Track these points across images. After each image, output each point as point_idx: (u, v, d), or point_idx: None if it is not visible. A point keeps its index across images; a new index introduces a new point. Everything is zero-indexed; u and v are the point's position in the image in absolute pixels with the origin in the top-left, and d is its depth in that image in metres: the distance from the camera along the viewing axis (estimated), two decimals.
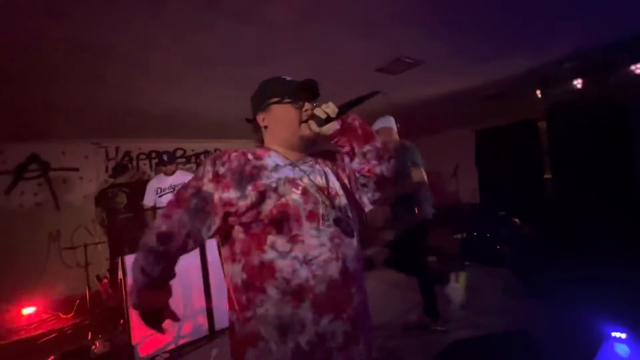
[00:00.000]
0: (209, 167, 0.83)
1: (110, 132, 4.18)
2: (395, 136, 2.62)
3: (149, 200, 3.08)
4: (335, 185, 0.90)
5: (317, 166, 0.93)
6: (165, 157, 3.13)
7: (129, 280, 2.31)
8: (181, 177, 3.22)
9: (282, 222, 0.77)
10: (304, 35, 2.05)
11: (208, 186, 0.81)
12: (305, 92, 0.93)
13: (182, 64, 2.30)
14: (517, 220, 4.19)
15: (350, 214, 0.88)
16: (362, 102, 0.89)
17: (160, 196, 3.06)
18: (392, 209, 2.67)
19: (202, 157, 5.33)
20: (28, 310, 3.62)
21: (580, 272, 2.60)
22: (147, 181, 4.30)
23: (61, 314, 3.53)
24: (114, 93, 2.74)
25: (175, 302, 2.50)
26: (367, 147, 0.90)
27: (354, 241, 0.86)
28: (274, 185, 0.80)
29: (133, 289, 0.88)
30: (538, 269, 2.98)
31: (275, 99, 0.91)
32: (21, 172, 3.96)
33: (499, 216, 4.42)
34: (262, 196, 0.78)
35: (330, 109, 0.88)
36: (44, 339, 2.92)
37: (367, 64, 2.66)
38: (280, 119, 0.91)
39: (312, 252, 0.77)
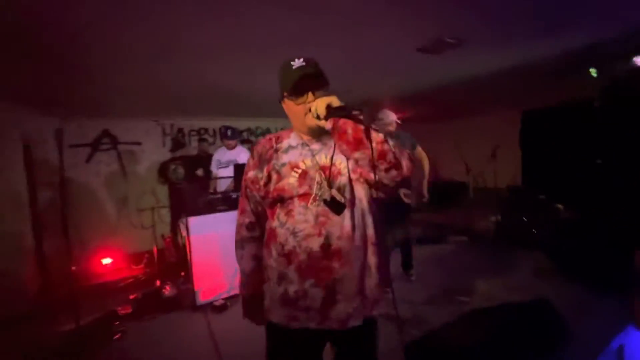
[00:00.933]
0: (250, 154, 1.08)
1: (167, 110, 4.65)
2: (390, 128, 3.10)
3: (212, 169, 3.51)
4: (341, 164, 0.95)
5: (330, 143, 0.98)
6: (229, 132, 3.40)
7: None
8: (239, 153, 3.51)
9: (280, 200, 0.95)
10: (341, 19, 2.17)
11: (249, 172, 1.05)
12: (302, 85, 0.95)
13: (233, 49, 2.54)
14: (560, 205, 4.07)
15: (348, 194, 0.93)
16: (349, 113, 0.86)
17: (218, 168, 3.44)
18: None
19: (244, 134, 5.70)
20: (106, 261, 4.35)
21: (620, 262, 2.57)
22: (197, 155, 4.77)
23: (133, 265, 4.19)
24: (173, 74, 3.07)
25: (228, 260, 2.91)
26: (357, 154, 0.87)
27: (344, 220, 0.91)
28: (277, 168, 0.97)
29: (244, 278, 1.09)
30: (574, 253, 2.96)
31: (284, 94, 0.99)
32: (97, 144, 4.60)
33: (538, 200, 4.31)
34: (269, 177, 0.97)
35: (319, 108, 0.90)
36: (123, 283, 3.55)
37: (408, 44, 2.69)
38: (290, 111, 1.00)
39: (298, 226, 0.92)
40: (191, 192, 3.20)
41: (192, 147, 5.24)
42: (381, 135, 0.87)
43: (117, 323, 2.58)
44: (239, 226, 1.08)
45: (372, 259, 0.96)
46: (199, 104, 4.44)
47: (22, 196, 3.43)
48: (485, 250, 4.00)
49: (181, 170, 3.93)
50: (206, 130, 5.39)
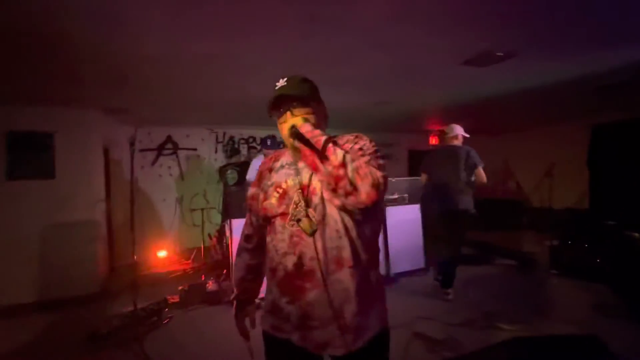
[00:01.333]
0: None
1: (220, 120, 5.10)
2: (456, 142, 3.20)
3: (251, 176, 3.72)
4: (317, 184, 0.94)
5: None
6: (268, 142, 3.57)
7: (233, 273, 2.96)
8: None
9: (267, 219, 1.00)
10: (389, 34, 2.23)
11: (252, 189, 1.10)
12: (279, 104, 0.98)
13: (282, 66, 2.75)
14: (636, 234, 3.59)
15: (319, 215, 0.91)
16: (302, 137, 0.89)
17: None
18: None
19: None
20: (161, 254, 4.84)
21: None
22: (247, 162, 5.09)
23: (183, 260, 4.61)
24: (227, 90, 3.40)
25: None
26: (319, 176, 0.90)
27: (316, 241, 0.89)
28: (265, 188, 1.03)
29: (234, 282, 1.19)
30: None
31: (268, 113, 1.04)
32: (161, 149, 5.20)
33: (606, 226, 3.84)
34: (261, 196, 1.03)
35: (284, 129, 0.95)
36: (173, 275, 3.93)
37: (455, 57, 2.66)
38: (279, 130, 1.02)
39: (278, 245, 0.95)
40: (238, 195, 3.46)
41: (242, 154, 5.65)
42: (339, 159, 0.83)
43: (166, 310, 2.88)
44: (240, 236, 1.18)
45: (349, 284, 0.90)
46: (247, 115, 4.81)
47: (100, 192, 4.00)
48: (536, 277, 3.67)
49: (235, 175, 4.27)
50: (254, 138, 5.77)
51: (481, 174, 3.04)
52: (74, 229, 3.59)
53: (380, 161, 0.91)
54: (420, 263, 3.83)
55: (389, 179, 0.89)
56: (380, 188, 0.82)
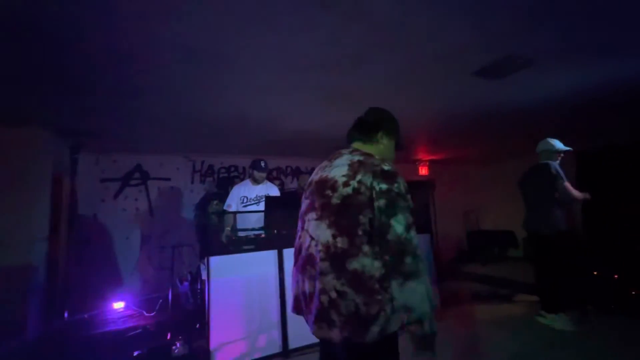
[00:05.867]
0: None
1: (198, 147, 4.57)
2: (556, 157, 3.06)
3: (231, 204, 3.10)
4: None
5: None
6: (262, 164, 3.08)
7: (212, 281, 2.31)
8: (268, 188, 3.18)
9: None
10: (401, 32, 1.93)
11: None
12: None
13: (263, 86, 2.36)
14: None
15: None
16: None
17: (245, 206, 3.06)
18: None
19: (274, 172, 5.49)
20: (118, 305, 3.95)
21: None
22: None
23: (145, 312, 3.75)
24: (206, 107, 2.95)
25: (252, 312, 2.42)
26: None
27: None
28: None
29: None
30: None
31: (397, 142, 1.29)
32: (128, 179, 4.52)
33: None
34: None
35: None
36: (130, 334, 3.08)
37: (468, 64, 2.40)
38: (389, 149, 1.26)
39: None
40: (219, 230, 2.85)
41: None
42: None
43: None
44: None
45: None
46: (228, 142, 4.33)
47: (42, 229, 3.24)
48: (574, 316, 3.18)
49: (219, 206, 3.69)
50: (236, 167, 5.24)
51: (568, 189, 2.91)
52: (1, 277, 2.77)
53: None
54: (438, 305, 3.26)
55: None
56: None
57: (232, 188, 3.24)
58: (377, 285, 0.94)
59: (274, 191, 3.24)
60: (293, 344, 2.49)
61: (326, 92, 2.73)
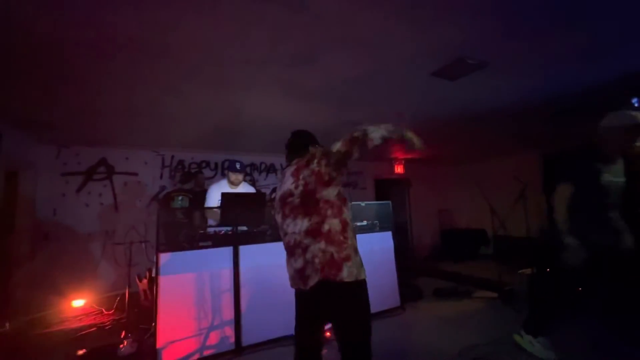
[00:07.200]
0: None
1: (168, 141, 4.47)
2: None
3: (209, 203, 2.96)
4: None
5: None
6: (237, 165, 2.95)
7: (161, 278, 2.26)
8: (245, 189, 3.09)
9: None
10: (353, 29, 1.93)
11: None
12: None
13: (237, 80, 2.33)
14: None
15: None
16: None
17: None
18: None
19: (247, 168, 5.42)
20: (77, 303, 3.83)
21: None
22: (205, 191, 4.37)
23: (104, 310, 3.65)
24: (173, 102, 2.89)
25: (204, 309, 2.39)
26: None
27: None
28: None
29: None
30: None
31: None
32: (91, 173, 4.37)
33: None
34: None
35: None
36: (83, 332, 2.99)
37: (423, 64, 2.43)
38: None
39: None
40: (180, 227, 2.76)
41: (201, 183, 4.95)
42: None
43: None
44: None
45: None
46: (201, 137, 4.25)
47: None
48: (521, 310, 3.29)
49: (186, 203, 3.60)
50: (208, 163, 5.15)
51: None
52: None
53: None
54: (396, 301, 3.30)
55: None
56: None
57: (194, 182, 3.11)
58: (341, 237, 1.33)
59: (251, 191, 3.18)
60: (247, 340, 2.47)
61: (282, 85, 2.70)
